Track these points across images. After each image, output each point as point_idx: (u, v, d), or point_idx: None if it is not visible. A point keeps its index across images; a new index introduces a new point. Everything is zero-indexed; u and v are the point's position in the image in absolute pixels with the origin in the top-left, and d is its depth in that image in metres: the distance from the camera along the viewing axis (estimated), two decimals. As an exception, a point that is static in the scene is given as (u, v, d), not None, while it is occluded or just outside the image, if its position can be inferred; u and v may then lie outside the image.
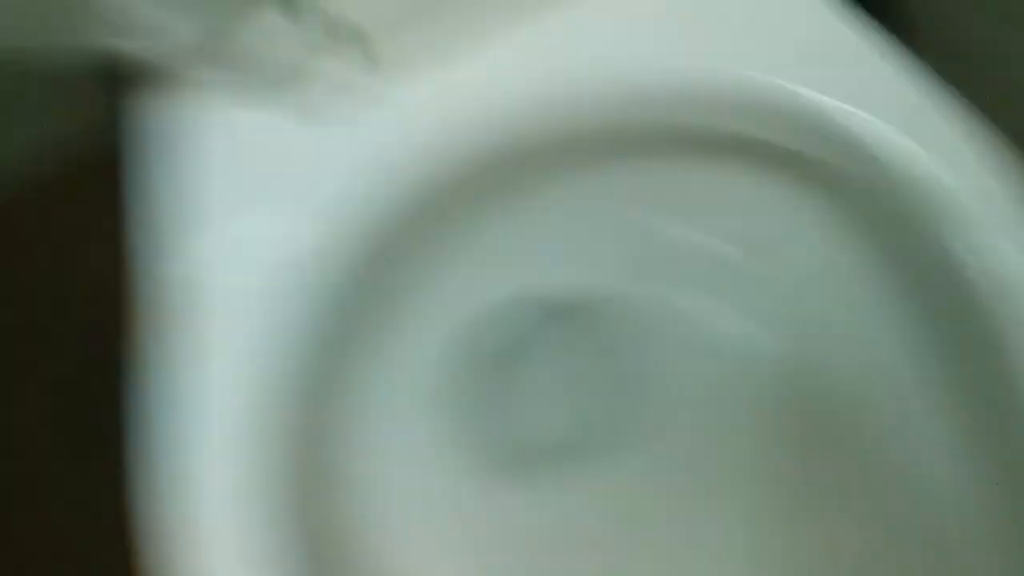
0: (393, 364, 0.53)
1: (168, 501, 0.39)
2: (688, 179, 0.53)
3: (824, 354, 0.52)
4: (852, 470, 0.50)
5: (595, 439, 0.56)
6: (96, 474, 0.69)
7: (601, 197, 0.54)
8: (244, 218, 0.44)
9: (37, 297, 0.80)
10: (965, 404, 0.44)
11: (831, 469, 0.51)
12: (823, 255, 0.51)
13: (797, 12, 0.46)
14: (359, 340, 0.51)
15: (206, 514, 0.38)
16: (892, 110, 0.43)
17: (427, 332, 0.54)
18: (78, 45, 0.42)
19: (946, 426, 0.45)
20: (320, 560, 0.44)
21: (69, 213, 0.80)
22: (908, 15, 0.70)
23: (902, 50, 0.45)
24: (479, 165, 0.47)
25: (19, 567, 0.71)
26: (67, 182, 0.79)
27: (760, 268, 0.54)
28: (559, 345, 0.58)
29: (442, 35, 0.47)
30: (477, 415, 0.55)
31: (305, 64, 0.46)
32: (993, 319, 0.40)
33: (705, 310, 0.56)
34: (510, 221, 0.54)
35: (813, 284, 0.52)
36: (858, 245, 0.49)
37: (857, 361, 0.50)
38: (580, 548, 0.53)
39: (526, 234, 0.55)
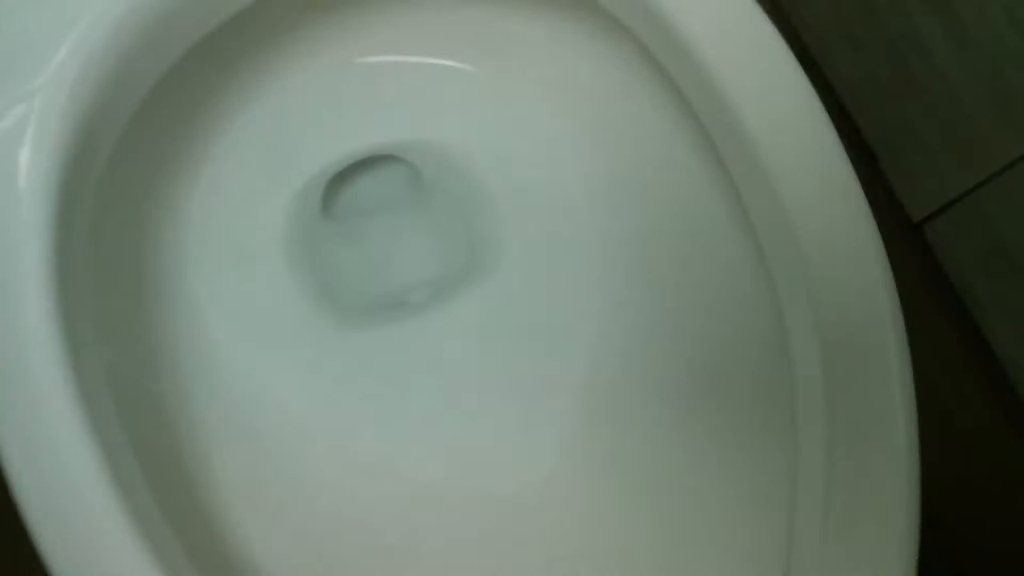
0: (217, 214, 0.53)
1: None
2: (462, 22, 0.54)
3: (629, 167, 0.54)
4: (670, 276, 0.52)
5: (433, 282, 0.58)
6: None
7: (373, 48, 0.55)
8: None
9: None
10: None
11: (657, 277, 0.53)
12: (601, 72, 0.52)
13: None
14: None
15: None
16: None
17: (252, 190, 0.54)
18: None
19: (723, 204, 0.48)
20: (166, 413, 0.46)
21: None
22: None
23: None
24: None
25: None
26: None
27: (559, 103, 0.55)
28: (381, 199, 0.60)
29: None
30: (316, 267, 0.56)
31: None
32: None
33: (510, 148, 0.56)
34: (292, 77, 0.54)
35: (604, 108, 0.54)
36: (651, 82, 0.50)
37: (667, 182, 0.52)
38: (428, 384, 0.55)
39: (316, 92, 0.55)
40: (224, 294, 0.52)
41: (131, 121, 0.44)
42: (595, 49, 0.52)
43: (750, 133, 0.41)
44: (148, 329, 0.49)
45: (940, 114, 0.65)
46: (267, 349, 0.53)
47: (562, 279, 0.55)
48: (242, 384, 0.51)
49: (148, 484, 0.40)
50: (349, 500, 0.51)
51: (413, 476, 0.53)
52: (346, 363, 0.54)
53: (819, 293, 0.40)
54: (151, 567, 0.36)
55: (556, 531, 0.51)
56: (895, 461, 0.38)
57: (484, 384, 0.55)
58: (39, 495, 0.36)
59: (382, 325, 0.56)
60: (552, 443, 0.53)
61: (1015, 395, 0.68)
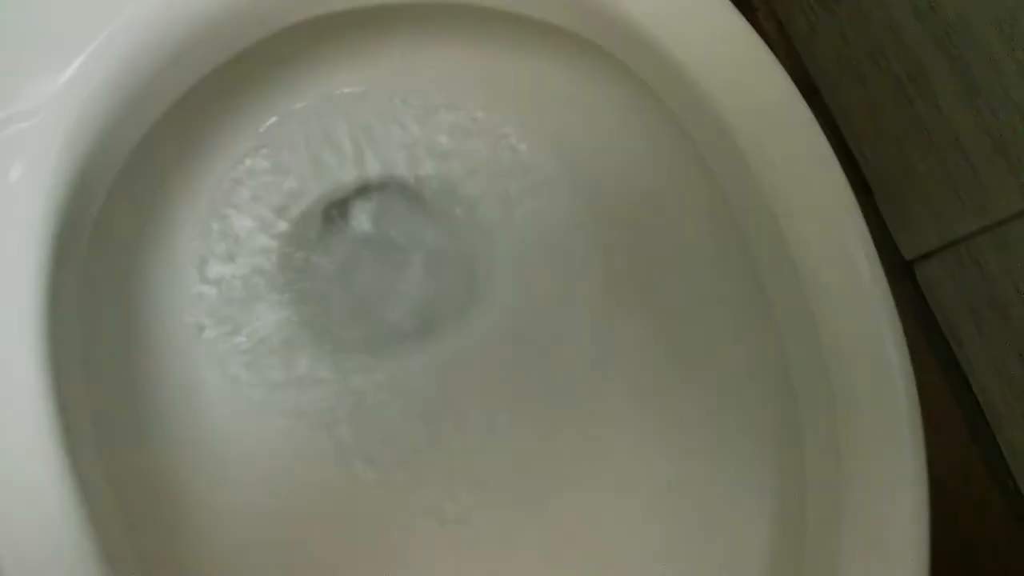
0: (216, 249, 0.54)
1: None
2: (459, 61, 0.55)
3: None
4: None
5: (433, 313, 0.59)
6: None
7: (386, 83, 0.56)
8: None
9: None
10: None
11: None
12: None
13: None
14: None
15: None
16: None
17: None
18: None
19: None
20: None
21: None
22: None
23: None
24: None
25: None
26: None
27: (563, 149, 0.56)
28: (377, 231, 0.61)
29: None
30: (312, 297, 0.57)
31: None
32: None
33: (510, 185, 0.57)
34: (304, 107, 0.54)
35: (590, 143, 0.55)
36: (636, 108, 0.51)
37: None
38: (430, 412, 0.56)
39: (320, 123, 0.55)
40: (219, 327, 0.51)
41: (132, 151, 0.42)
42: (601, 100, 0.53)
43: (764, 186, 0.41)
44: (135, 365, 0.48)
45: (941, 157, 0.64)
46: (261, 383, 0.52)
47: (555, 309, 0.57)
48: (231, 416, 0.51)
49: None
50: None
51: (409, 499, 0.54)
52: (344, 392, 0.55)
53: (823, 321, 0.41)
54: None
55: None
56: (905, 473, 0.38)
57: (488, 408, 0.56)
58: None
59: (379, 355, 0.57)
60: (556, 466, 0.54)
61: (993, 440, 0.68)
